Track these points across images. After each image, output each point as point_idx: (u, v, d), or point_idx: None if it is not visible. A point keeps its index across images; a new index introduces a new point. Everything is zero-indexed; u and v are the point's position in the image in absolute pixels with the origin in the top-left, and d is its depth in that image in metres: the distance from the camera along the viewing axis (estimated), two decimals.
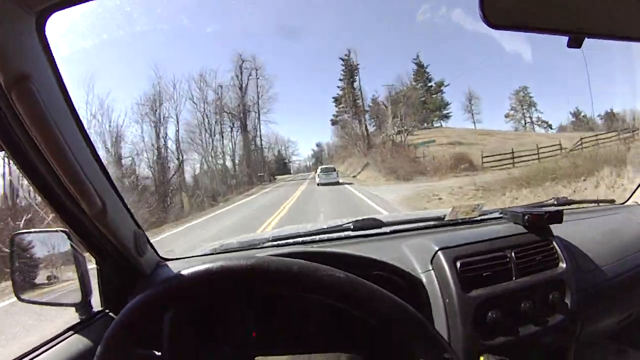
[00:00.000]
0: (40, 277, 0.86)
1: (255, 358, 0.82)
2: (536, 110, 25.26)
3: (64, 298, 0.83)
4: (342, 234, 1.06)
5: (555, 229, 1.02)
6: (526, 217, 0.98)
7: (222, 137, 25.56)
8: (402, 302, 0.56)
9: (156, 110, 20.69)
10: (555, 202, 1.27)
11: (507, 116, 25.86)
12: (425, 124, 26.44)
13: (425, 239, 0.94)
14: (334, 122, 31.49)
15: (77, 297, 0.79)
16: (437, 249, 0.88)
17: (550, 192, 8.15)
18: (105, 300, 0.81)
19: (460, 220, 1.11)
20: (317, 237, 1.05)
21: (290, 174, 31.72)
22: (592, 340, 1.11)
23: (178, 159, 21.21)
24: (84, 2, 0.54)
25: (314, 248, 0.95)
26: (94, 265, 0.81)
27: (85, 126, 0.65)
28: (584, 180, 8.67)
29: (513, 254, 0.90)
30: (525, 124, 25.54)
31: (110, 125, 17.97)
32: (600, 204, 1.46)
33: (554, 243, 0.97)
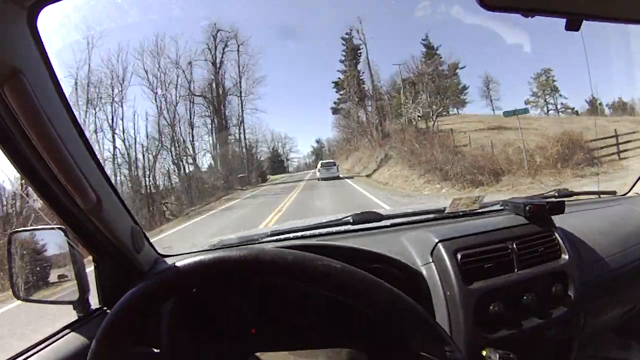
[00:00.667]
0: (38, 275, 0.86)
1: (254, 354, 0.81)
2: (560, 95, 21.06)
3: (62, 296, 0.83)
4: (342, 228, 1.06)
5: (557, 220, 1.01)
6: (527, 208, 0.97)
7: (192, 128, 20.85)
8: (401, 293, 0.55)
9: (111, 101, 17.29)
10: (557, 194, 1.26)
11: (527, 103, 21.29)
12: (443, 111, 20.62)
13: (425, 232, 0.94)
14: (335, 111, 27.00)
15: (74, 295, 0.79)
16: (437, 241, 0.87)
17: None
18: (103, 297, 0.81)
19: (460, 213, 1.10)
20: (316, 231, 1.05)
21: (287, 172, 29.13)
22: (596, 332, 1.10)
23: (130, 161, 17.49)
24: None
25: (313, 241, 0.94)
26: (92, 263, 0.81)
27: (79, 120, 0.65)
28: None
29: (515, 246, 0.89)
30: (548, 111, 21.55)
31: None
32: (601, 196, 1.44)
33: (556, 234, 0.96)
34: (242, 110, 24.30)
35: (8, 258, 0.84)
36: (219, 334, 0.83)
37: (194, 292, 0.77)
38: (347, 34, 23.99)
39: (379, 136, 21.99)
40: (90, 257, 0.80)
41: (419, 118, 19.53)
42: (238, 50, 22.85)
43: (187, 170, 20.34)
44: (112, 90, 18.18)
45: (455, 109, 22.55)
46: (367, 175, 17.84)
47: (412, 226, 1.06)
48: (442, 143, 14.56)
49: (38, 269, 0.86)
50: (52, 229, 0.80)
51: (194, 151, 21.38)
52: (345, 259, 0.58)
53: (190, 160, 20.83)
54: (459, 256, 0.84)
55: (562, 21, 0.55)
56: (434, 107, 18.80)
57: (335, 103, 27.08)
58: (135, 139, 18.29)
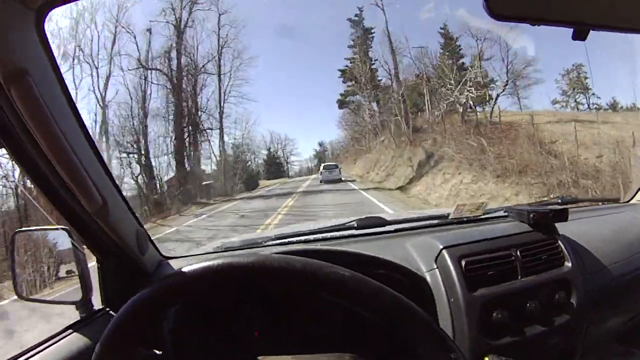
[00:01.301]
0: (41, 275, 0.86)
1: (258, 358, 0.81)
2: (594, 94, 15.47)
3: (65, 296, 0.83)
4: (346, 233, 1.05)
5: (561, 227, 1.00)
6: (531, 216, 0.97)
7: (145, 115, 15.23)
8: (405, 299, 0.55)
9: None
10: (560, 201, 1.26)
11: (555, 102, 16.54)
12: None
13: (429, 238, 0.94)
14: (341, 104, 21.97)
15: (77, 295, 0.79)
16: (441, 247, 0.87)
17: None
18: (106, 298, 0.81)
19: (464, 219, 1.10)
20: (320, 236, 1.05)
21: (286, 177, 25.77)
22: (599, 341, 1.10)
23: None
24: None
25: (317, 246, 0.94)
26: (95, 263, 0.81)
27: (86, 122, 0.65)
28: None
29: (518, 253, 0.89)
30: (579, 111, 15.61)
31: None
32: (604, 203, 1.44)
33: (560, 242, 0.96)
34: (222, 95, 18.34)
35: (11, 257, 0.84)
36: (222, 336, 0.82)
37: (199, 297, 0.77)
38: (356, 15, 19.87)
39: (408, 131, 16.43)
40: (94, 258, 0.80)
41: (471, 106, 13.64)
42: (219, 21, 17.50)
43: (137, 174, 14.79)
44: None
45: (480, 106, 16.29)
46: (400, 188, 12.31)
47: (416, 232, 1.06)
48: (523, 139, 9.28)
49: (41, 268, 0.86)
50: (56, 229, 0.80)
51: (146, 147, 15.40)
52: (349, 264, 0.58)
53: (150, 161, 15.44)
54: (463, 263, 0.84)
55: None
56: (485, 88, 13.32)
57: (342, 95, 21.91)
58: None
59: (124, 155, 15.18)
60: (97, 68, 14.94)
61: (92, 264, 0.81)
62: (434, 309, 0.82)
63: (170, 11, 16.35)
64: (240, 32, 18.36)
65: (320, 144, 28.71)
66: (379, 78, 19.96)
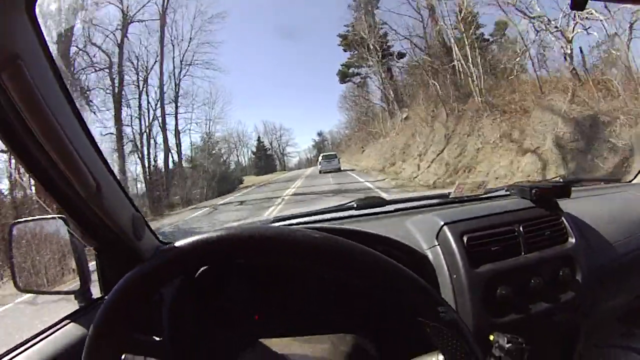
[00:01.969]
0: (39, 266, 0.85)
1: (259, 340, 0.81)
2: None
3: (63, 286, 0.82)
4: (346, 213, 1.05)
5: (564, 205, 1.00)
6: (534, 191, 0.96)
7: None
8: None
9: None
10: (562, 180, 1.25)
11: None
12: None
13: (430, 215, 0.93)
14: (343, 77, 17.38)
15: (75, 285, 0.78)
16: (442, 223, 0.86)
17: None
18: (104, 287, 0.80)
19: (465, 198, 1.09)
20: (320, 217, 1.04)
21: (278, 171, 22.82)
22: (602, 319, 1.10)
23: None
24: None
25: (317, 225, 0.94)
26: (93, 252, 0.80)
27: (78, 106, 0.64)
28: None
29: (522, 229, 0.88)
30: None
31: None
32: (606, 182, 1.44)
33: (563, 218, 0.95)
34: (161, 54, 12.44)
35: (8, 248, 0.83)
36: (222, 321, 0.82)
37: (196, 278, 0.76)
38: None
39: (454, 102, 10.98)
40: (92, 247, 0.79)
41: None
42: None
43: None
44: None
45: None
46: None
47: (417, 210, 1.05)
48: None
49: (39, 259, 0.86)
50: (53, 218, 0.79)
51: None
52: None
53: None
54: (465, 239, 0.83)
55: None
56: None
57: (343, 66, 17.11)
58: None
59: None
60: None
61: (91, 255, 0.80)
62: (436, 286, 0.81)
63: None
64: None
65: (319, 134, 27.06)
66: (389, 43, 14.64)
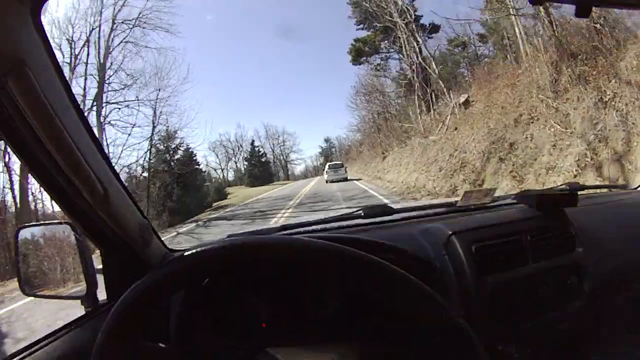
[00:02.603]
0: (46, 271, 0.85)
1: (266, 349, 0.81)
2: None
3: (70, 291, 0.82)
4: (353, 222, 1.05)
5: (570, 213, 0.99)
6: (541, 200, 0.96)
7: None
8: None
9: None
10: (568, 188, 1.24)
11: None
12: None
13: (438, 224, 0.92)
14: (357, 56, 13.97)
15: (82, 290, 0.78)
16: (450, 233, 0.86)
17: None
18: (111, 292, 0.80)
19: (472, 207, 1.09)
20: (327, 225, 1.04)
21: (281, 180, 20.78)
22: (609, 328, 1.09)
23: None
24: None
25: (324, 234, 0.93)
26: (100, 258, 0.80)
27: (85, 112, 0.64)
28: None
29: (529, 238, 0.88)
30: None
31: None
32: (612, 190, 1.43)
33: (570, 227, 0.95)
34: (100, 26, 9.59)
35: (15, 253, 0.83)
36: (229, 328, 0.82)
37: (204, 287, 0.76)
38: None
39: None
40: (98, 252, 0.79)
41: None
42: None
43: None
44: None
45: None
46: None
47: (424, 219, 1.05)
48: None
49: (45, 264, 0.86)
50: (60, 223, 0.79)
51: None
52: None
53: None
54: (473, 249, 0.83)
55: None
56: None
57: (356, 41, 13.29)
58: None
59: None
60: None
61: (98, 261, 0.80)
62: (444, 295, 0.81)
63: None
64: None
65: (327, 140, 25.98)
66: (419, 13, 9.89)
